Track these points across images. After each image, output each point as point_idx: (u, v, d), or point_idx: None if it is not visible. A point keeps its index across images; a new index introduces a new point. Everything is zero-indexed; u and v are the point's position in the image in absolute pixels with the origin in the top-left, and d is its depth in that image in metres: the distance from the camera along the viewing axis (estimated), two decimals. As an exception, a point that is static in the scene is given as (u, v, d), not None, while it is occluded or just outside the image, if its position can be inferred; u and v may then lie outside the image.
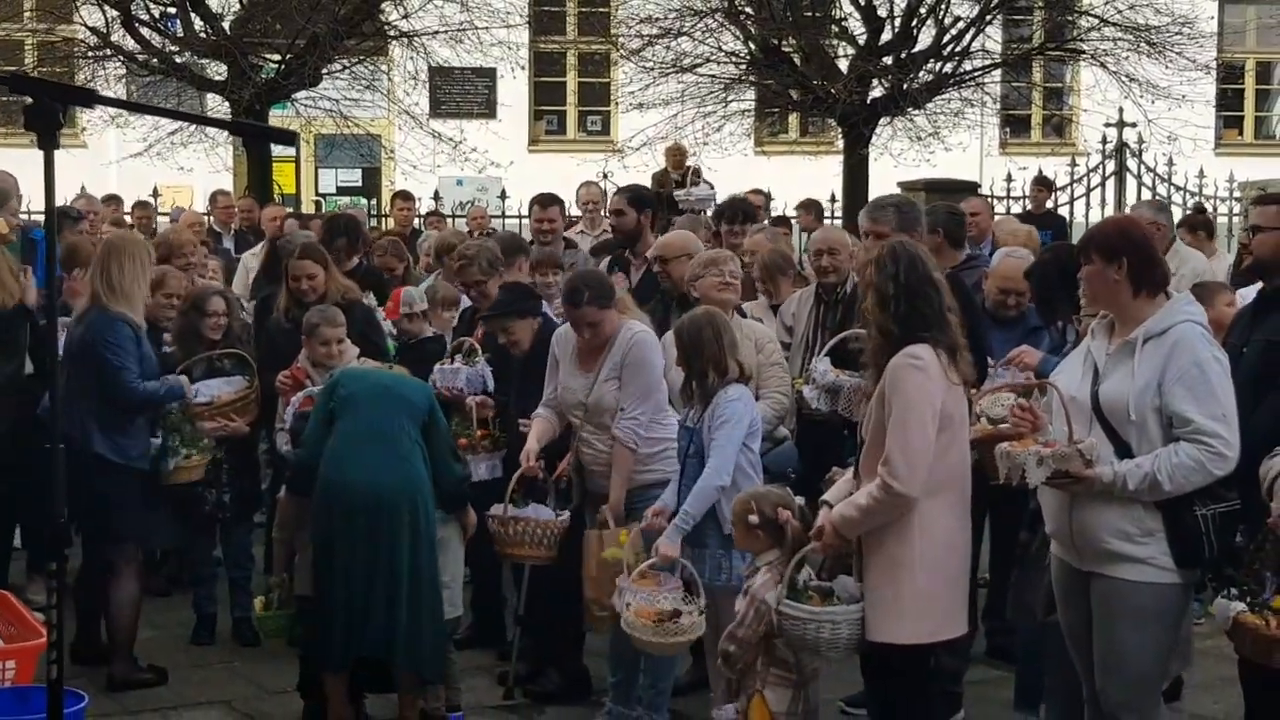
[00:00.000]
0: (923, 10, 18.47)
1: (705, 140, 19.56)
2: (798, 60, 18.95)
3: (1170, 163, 20.23)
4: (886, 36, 18.73)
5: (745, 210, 10.75)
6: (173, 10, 18.34)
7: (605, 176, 18.48)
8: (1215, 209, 19.09)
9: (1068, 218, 18.47)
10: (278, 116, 18.89)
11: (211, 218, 15.32)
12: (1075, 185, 19.99)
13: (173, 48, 18.44)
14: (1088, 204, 20.00)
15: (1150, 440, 5.11)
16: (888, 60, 18.62)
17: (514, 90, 24.37)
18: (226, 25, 18.38)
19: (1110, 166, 20.58)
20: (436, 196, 18.68)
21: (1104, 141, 20.44)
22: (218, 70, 18.66)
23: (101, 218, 13.33)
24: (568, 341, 7.16)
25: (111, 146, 20.86)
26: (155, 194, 17.08)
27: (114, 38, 18.33)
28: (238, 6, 18.85)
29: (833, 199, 18.50)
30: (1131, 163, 20.62)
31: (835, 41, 19.47)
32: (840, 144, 20.07)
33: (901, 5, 18.61)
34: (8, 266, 7.99)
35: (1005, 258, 8.07)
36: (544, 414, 7.23)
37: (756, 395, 7.00)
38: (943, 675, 6.55)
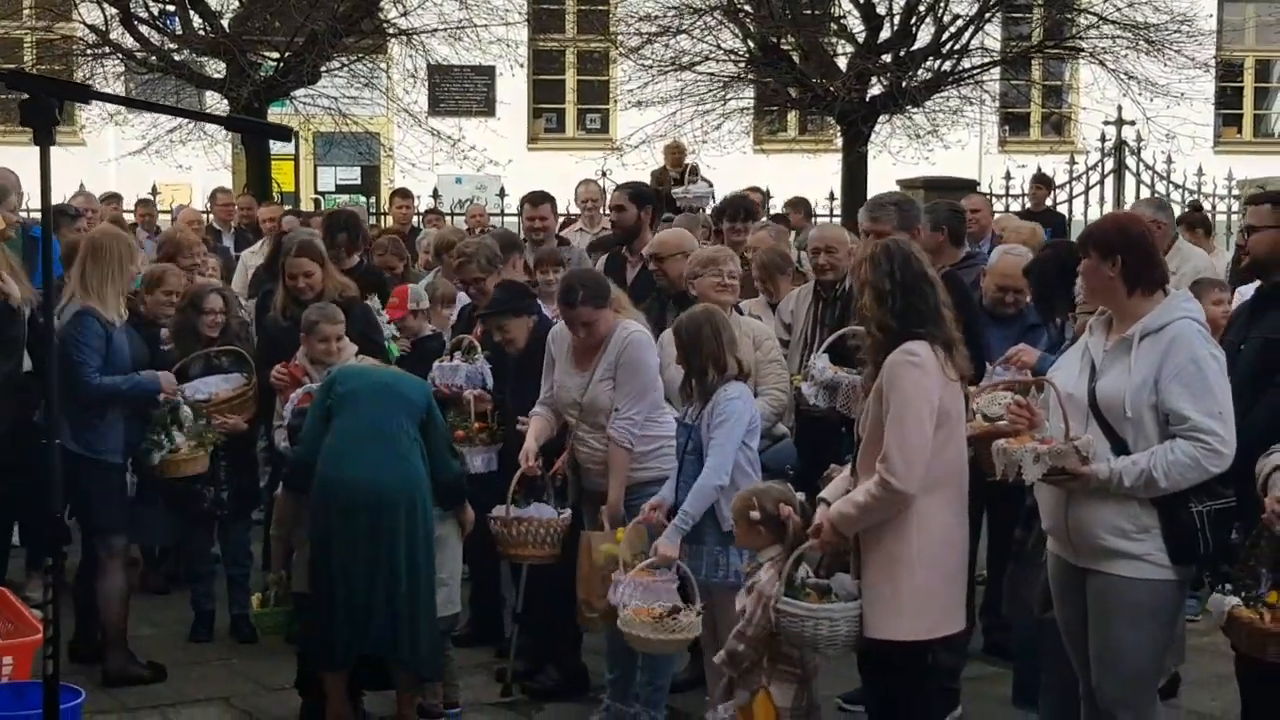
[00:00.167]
0: (921, 8, 18.46)
1: (704, 138, 19.56)
2: (796, 58, 18.94)
3: (1169, 161, 20.23)
4: (885, 34, 18.72)
5: (746, 207, 10.75)
6: (171, 8, 18.35)
7: (604, 174, 18.49)
8: (1214, 207, 19.11)
9: (1066, 216, 18.46)
10: (276, 114, 18.88)
11: (211, 215, 15.33)
12: (1074, 183, 19.99)
13: (171, 45, 18.44)
14: (1086, 202, 20.00)
15: (1147, 437, 5.12)
16: (887, 58, 18.61)
17: (513, 88, 24.37)
18: (225, 23, 18.39)
19: (1109, 164, 20.58)
20: (435, 194, 18.68)
21: (1103, 139, 20.44)
22: (216, 68, 18.66)
23: (100, 215, 13.32)
24: (563, 340, 7.15)
25: (110, 144, 20.86)
26: (154, 192, 17.08)
27: (113, 35, 18.33)
28: (236, 4, 18.85)
29: (831, 197, 18.50)
30: (1130, 161, 20.62)
31: (834, 39, 19.46)
32: (839, 142, 20.06)
33: (900, 3, 18.60)
34: (7, 264, 7.98)
35: (1004, 255, 8.07)
36: (541, 412, 7.23)
37: (755, 392, 7.00)
38: (940, 672, 6.56)
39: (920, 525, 5.42)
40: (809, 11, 19.05)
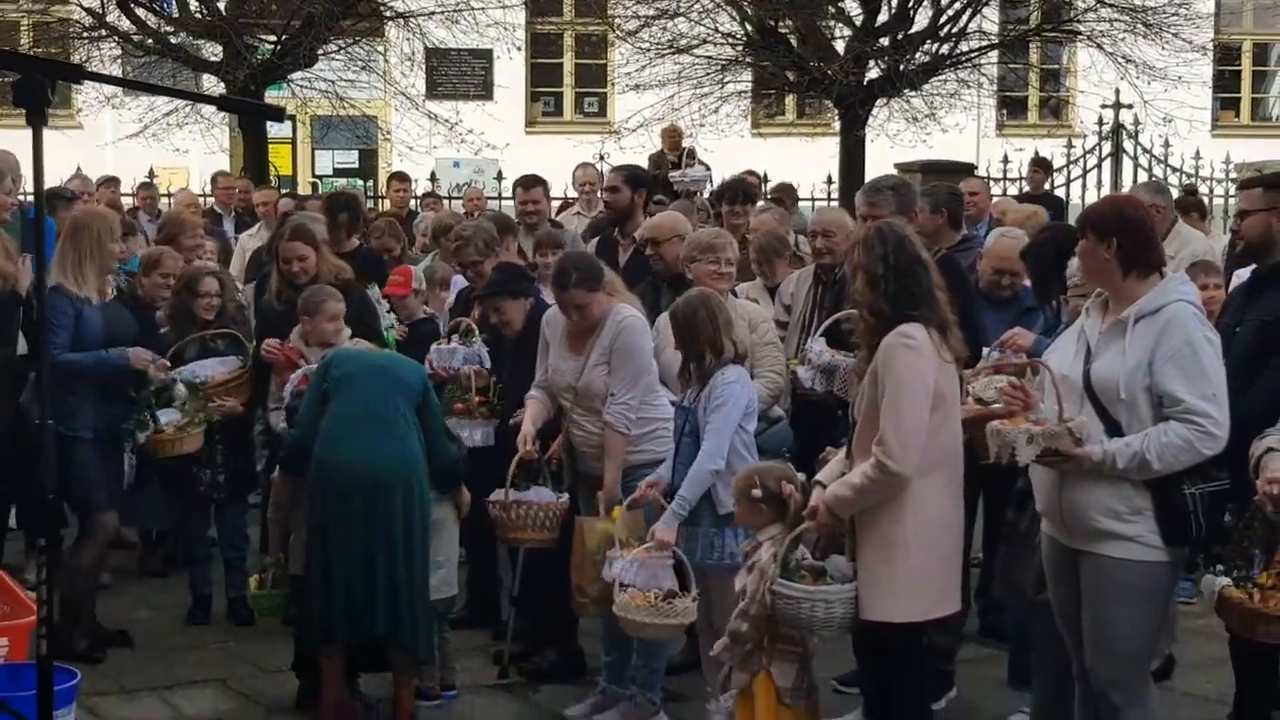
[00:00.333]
0: (919, -9, 18.47)
1: (702, 122, 19.55)
2: (794, 41, 18.93)
3: (1166, 144, 20.21)
4: (883, 18, 18.70)
5: (745, 190, 10.75)
6: (168, -9, 18.35)
7: (602, 158, 18.47)
8: (1211, 190, 19.09)
9: (1064, 199, 18.46)
10: (273, 97, 18.85)
11: (213, 199, 15.31)
12: (1071, 167, 19.97)
13: (168, 28, 18.42)
14: (1084, 186, 19.98)
15: (1140, 419, 5.12)
16: (884, 41, 18.60)
17: (511, 71, 24.34)
18: (222, 6, 18.37)
19: (1106, 148, 20.56)
20: (433, 178, 18.68)
21: (1100, 123, 20.42)
22: (213, 51, 18.65)
23: (98, 199, 13.31)
24: (557, 324, 7.15)
25: (107, 127, 20.83)
26: (151, 175, 17.06)
27: (109, 18, 18.32)
28: (233, -13, 18.84)
29: (829, 180, 18.49)
30: (1128, 144, 20.59)
31: (832, 23, 19.44)
32: (837, 125, 20.05)
33: (898, -14, 18.61)
34: (3, 248, 7.98)
35: (1000, 238, 8.06)
36: (537, 395, 7.23)
37: (751, 375, 7.01)
38: (935, 653, 6.59)
39: (916, 507, 5.43)
40: (807, -6, 19.03)
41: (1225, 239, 12.23)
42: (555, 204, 14.70)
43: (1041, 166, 17.25)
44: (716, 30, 18.97)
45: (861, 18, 18.83)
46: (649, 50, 19.22)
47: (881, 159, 18.20)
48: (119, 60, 19.05)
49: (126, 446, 7.98)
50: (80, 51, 18.48)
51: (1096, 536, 5.20)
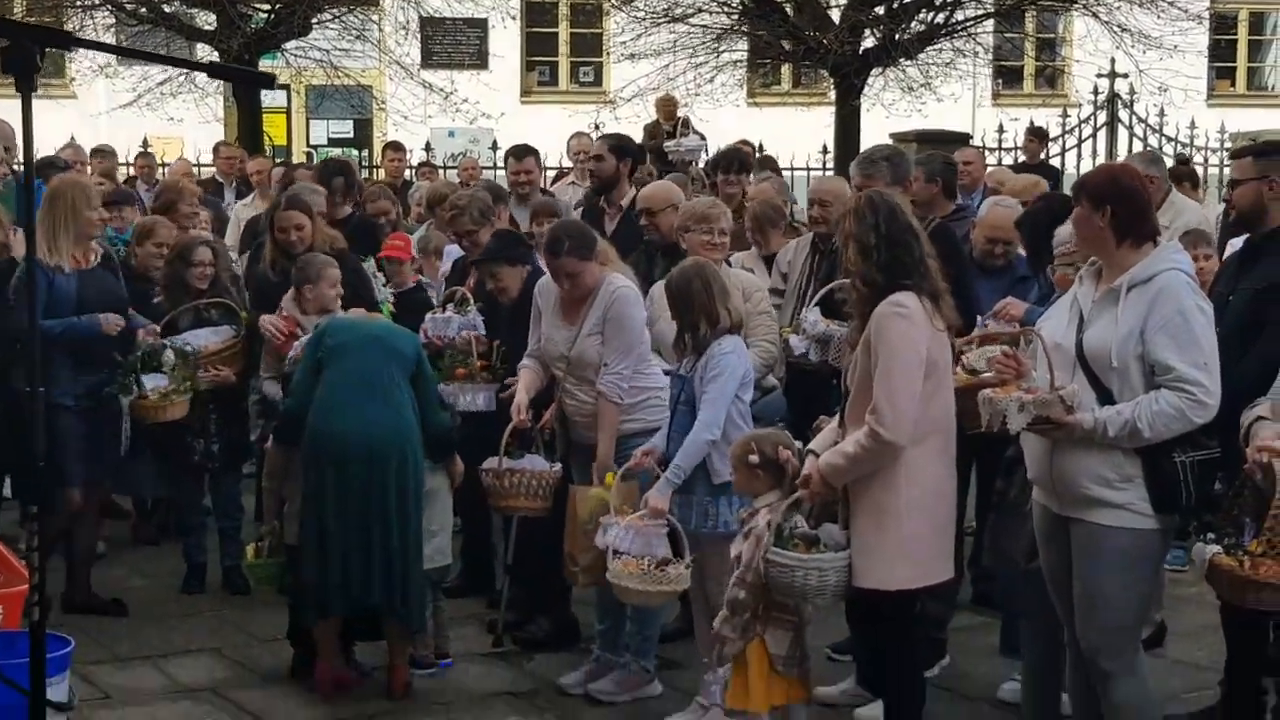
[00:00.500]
0: (914, -40, 18.42)
1: (697, 91, 19.52)
2: (789, 10, 18.88)
3: (1162, 114, 20.19)
4: (879, -14, 18.68)
5: (739, 160, 10.75)
6: (162, -41, 18.27)
7: (597, 128, 18.44)
8: (1206, 160, 19.07)
9: (1059, 169, 18.44)
10: (267, 67, 18.77)
11: (214, 169, 15.27)
12: (1066, 136, 19.95)
13: (162, -3, 18.36)
14: (1079, 155, 19.96)
15: (1132, 387, 5.13)
16: (879, 10, 18.55)
17: (506, 40, 24.28)
18: (215, -26, 18.30)
19: (1102, 118, 20.54)
20: (428, 148, 18.64)
21: (1095, 92, 20.39)
22: (207, 20, 18.58)
23: (93, 170, 13.29)
24: (550, 293, 7.13)
25: (101, 97, 20.78)
26: (145, 145, 17.02)
27: (102, -14, 18.25)
28: (227, -45, 18.75)
29: (825, 150, 18.47)
30: (1123, 114, 20.57)
31: (827, -9, 19.41)
32: (832, 95, 20.01)
33: (893, -45, 18.56)
34: (-3, 218, 7.96)
35: (993, 207, 8.05)
36: (529, 364, 7.22)
37: (745, 343, 7.00)
38: (928, 621, 6.60)
39: (909, 475, 5.44)
40: (802, -37, 18.99)
41: (1219, 208, 12.21)
42: (550, 174, 14.71)
43: (1037, 136, 17.23)
44: (712, -1, 18.94)
45: (857, -14, 18.80)
46: (644, 19, 19.18)
47: (877, 128, 18.18)
48: (112, 29, 18.98)
49: (123, 410, 7.93)
50: (74, 20, 18.42)
51: (1087, 504, 5.21)
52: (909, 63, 18.90)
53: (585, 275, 6.90)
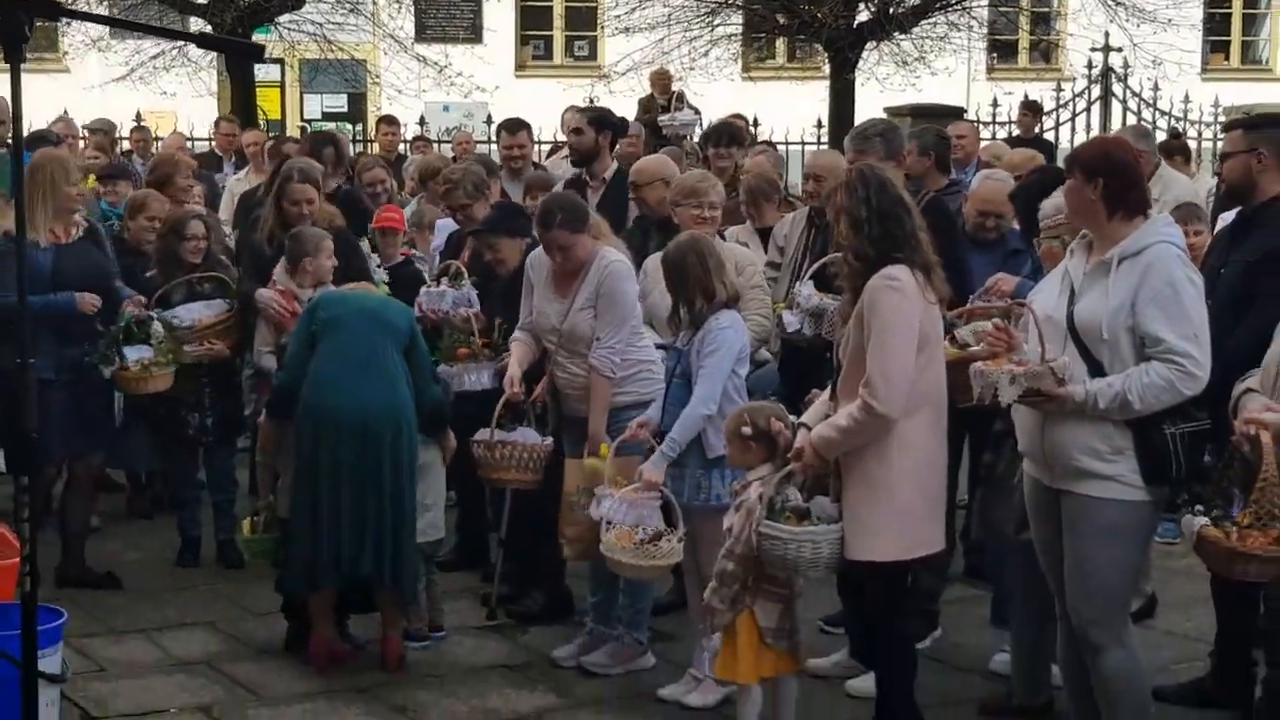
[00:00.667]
0: (909, -67, 18.39)
1: (692, 65, 19.49)
2: (784, -17, 18.86)
3: (1156, 87, 20.19)
4: (873, -41, 18.65)
5: (732, 133, 10.72)
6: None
7: (591, 102, 18.42)
8: (1200, 134, 19.07)
9: (1053, 143, 18.43)
10: (261, 40, 18.77)
11: (214, 143, 15.24)
12: (1061, 110, 19.95)
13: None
14: (1073, 129, 19.95)
15: (1123, 360, 5.14)
16: (874, -17, 18.54)
17: (500, 14, 24.23)
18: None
19: (1096, 91, 20.53)
20: (422, 122, 18.62)
21: (1089, 66, 20.38)
22: (200, -7, 18.54)
23: (86, 144, 13.27)
24: (542, 266, 7.11)
25: (94, 71, 20.74)
26: (138, 119, 17.00)
27: (96, -40, 18.20)
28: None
29: (819, 124, 18.45)
30: (1117, 88, 20.56)
31: (822, -35, 19.36)
32: (826, 69, 19.99)
33: (888, -72, 18.52)
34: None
35: (985, 180, 8.04)
36: (521, 337, 7.21)
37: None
38: (920, 594, 6.63)
39: (901, 448, 5.45)
40: (796, -64, 18.94)
41: (1212, 183, 12.22)
42: (545, 148, 14.70)
43: (1031, 110, 17.23)
44: (706, -28, 18.92)
45: (851, -40, 18.76)
46: (639, -9, 19.16)
47: (871, 103, 18.17)
48: (105, 2, 18.94)
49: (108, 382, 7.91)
50: (66, -6, 18.36)
51: (1077, 476, 5.23)
52: (903, 37, 18.89)
53: (577, 248, 6.89)
